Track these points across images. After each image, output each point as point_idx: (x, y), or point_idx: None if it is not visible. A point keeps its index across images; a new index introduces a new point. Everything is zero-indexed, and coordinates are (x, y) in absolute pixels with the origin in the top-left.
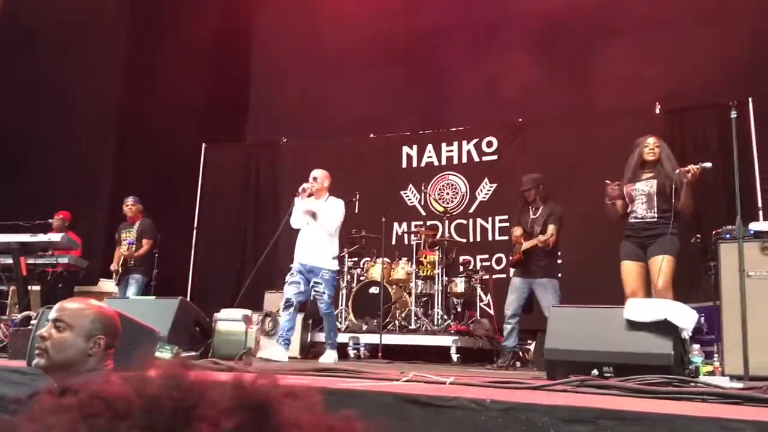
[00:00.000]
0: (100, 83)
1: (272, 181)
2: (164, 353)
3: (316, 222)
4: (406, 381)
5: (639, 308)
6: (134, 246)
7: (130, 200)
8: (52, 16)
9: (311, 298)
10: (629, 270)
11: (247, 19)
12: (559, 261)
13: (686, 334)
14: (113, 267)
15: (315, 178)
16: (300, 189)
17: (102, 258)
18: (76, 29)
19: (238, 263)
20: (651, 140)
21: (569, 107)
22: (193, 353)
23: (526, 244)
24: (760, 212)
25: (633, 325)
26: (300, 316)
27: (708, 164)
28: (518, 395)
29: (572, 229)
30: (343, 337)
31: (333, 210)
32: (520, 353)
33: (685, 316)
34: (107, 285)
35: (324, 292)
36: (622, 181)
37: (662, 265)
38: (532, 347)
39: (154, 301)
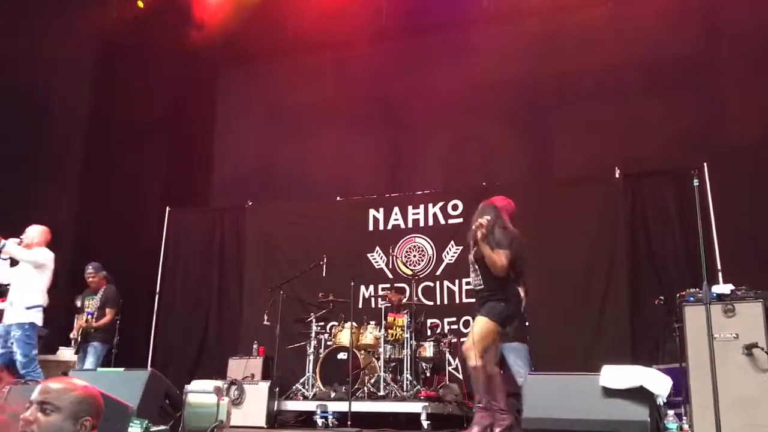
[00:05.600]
0: (63, 147)
1: (237, 244)
2: (134, 428)
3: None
4: None
5: (614, 375)
6: (95, 316)
7: (90, 269)
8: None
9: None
10: None
11: (209, 83)
12: (527, 323)
13: (661, 401)
14: (72, 335)
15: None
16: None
17: (62, 325)
18: (35, 103)
19: (202, 329)
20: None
21: (531, 172)
22: (162, 427)
23: None
24: (720, 274)
25: (609, 392)
26: (266, 384)
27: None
28: None
29: (534, 293)
30: (311, 405)
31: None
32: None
33: (660, 383)
34: (66, 353)
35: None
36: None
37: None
38: None
39: (123, 373)
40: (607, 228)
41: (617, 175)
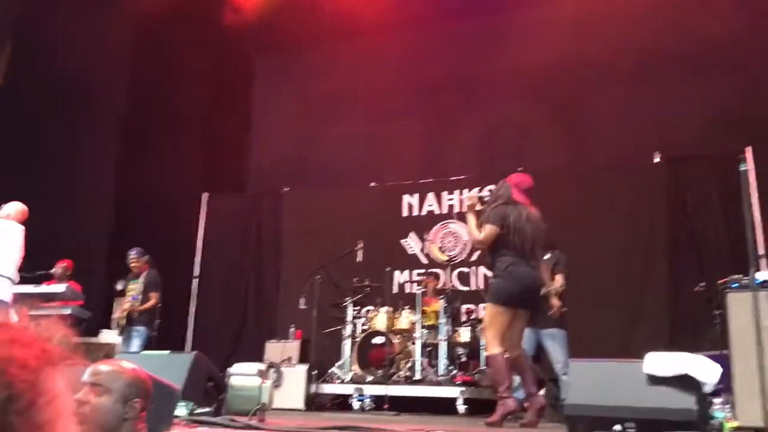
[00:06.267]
0: (101, 136)
1: (274, 230)
2: (180, 410)
3: None
4: None
5: (659, 362)
6: (139, 300)
7: (133, 253)
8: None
9: None
10: None
11: (245, 68)
12: (564, 309)
13: (708, 389)
14: (116, 317)
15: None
16: None
17: (102, 309)
18: (75, 89)
19: (239, 313)
20: None
21: (569, 156)
22: (207, 409)
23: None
24: (763, 261)
25: (654, 380)
26: (304, 367)
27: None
28: None
29: (572, 279)
30: (347, 389)
31: None
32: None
33: (708, 370)
34: (108, 336)
35: None
36: None
37: None
38: None
39: (169, 356)
40: (646, 214)
41: (657, 160)
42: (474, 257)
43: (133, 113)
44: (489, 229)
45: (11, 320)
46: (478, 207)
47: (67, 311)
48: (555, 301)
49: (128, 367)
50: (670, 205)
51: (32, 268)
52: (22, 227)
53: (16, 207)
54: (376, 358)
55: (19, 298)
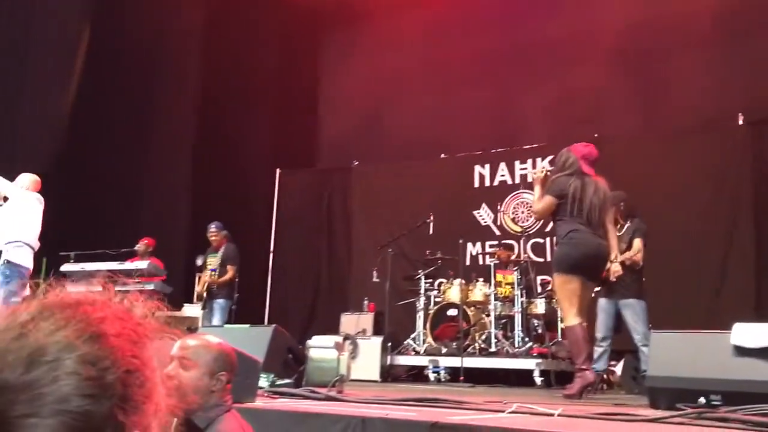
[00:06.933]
0: (176, 114)
1: (344, 204)
2: (261, 381)
3: None
4: (512, 413)
5: (748, 333)
6: (217, 272)
7: (213, 227)
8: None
9: None
10: None
11: (312, 43)
12: (644, 278)
13: None
14: (198, 290)
15: None
16: None
17: (183, 283)
18: (152, 68)
19: (313, 286)
20: None
21: (646, 121)
22: (287, 380)
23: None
24: None
25: (741, 351)
26: (378, 339)
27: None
28: (634, 429)
29: (649, 247)
30: (422, 360)
31: None
32: (604, 375)
33: None
34: (190, 310)
35: None
36: None
37: None
38: (617, 369)
39: (249, 329)
40: (730, 178)
41: (740, 122)
42: (549, 228)
43: (204, 93)
44: (546, 200)
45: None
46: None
47: (150, 287)
48: (616, 267)
49: (214, 342)
50: (755, 168)
51: (116, 246)
52: (39, 196)
53: (30, 178)
54: (449, 330)
55: (105, 274)
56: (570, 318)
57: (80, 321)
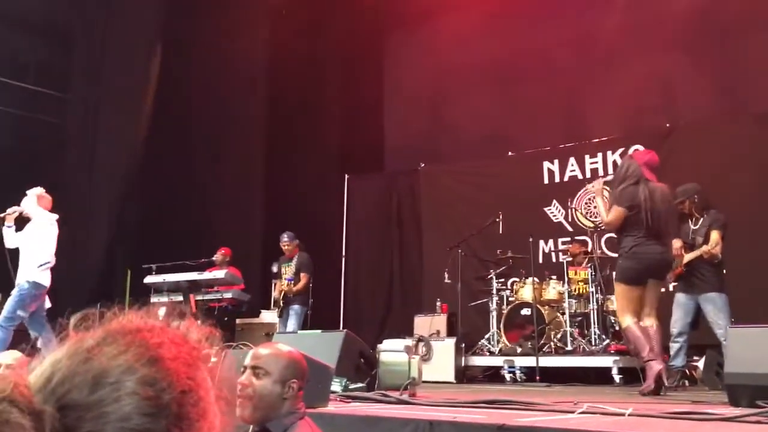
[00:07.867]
0: (247, 126)
1: (413, 206)
2: (334, 386)
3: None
4: (582, 413)
5: None
6: (293, 281)
7: (285, 237)
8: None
9: None
10: None
11: (376, 46)
12: (724, 271)
13: None
14: (275, 296)
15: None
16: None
17: (260, 290)
18: (222, 83)
19: (386, 289)
20: None
21: (721, 108)
22: (360, 384)
23: (688, 256)
24: None
25: None
26: (452, 340)
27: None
28: (706, 428)
29: (729, 238)
30: (497, 361)
31: None
32: (687, 371)
33: None
34: (267, 316)
35: None
36: None
37: None
38: (700, 364)
39: (321, 334)
40: None
41: None
42: None
43: (272, 104)
44: (616, 212)
45: (158, 319)
46: (606, 193)
47: (229, 295)
48: (680, 252)
49: (285, 350)
50: None
51: (196, 257)
52: (54, 216)
53: (47, 198)
54: (524, 330)
55: (185, 284)
56: (625, 320)
57: (140, 346)
